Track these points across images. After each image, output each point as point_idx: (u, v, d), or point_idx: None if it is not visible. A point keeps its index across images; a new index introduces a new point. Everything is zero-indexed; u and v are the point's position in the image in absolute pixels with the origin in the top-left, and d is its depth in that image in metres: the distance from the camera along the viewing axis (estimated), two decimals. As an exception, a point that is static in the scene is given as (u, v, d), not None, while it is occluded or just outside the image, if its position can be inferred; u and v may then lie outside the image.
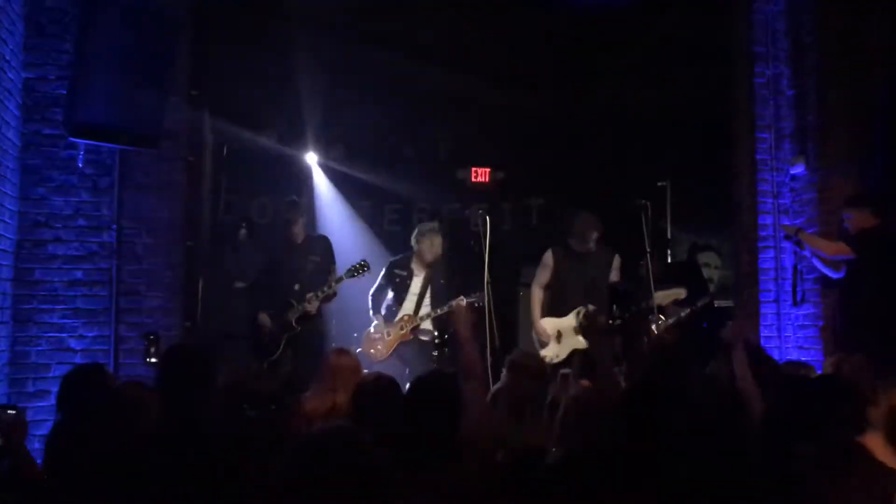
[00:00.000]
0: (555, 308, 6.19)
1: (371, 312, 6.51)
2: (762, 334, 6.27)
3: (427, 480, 2.60)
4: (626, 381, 5.16)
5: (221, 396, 3.01)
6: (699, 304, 6.31)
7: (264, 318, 6.24)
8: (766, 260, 6.44)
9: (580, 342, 6.04)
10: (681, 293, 6.17)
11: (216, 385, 3.16)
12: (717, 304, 7.71)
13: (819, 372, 4.48)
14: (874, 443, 2.56)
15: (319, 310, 6.35)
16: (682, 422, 2.46)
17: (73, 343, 5.33)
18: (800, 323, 6.22)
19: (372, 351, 6.27)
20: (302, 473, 1.82)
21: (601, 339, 6.05)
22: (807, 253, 5.71)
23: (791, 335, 6.30)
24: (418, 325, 6.30)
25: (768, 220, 6.46)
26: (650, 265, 5.89)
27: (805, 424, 2.53)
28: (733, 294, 6.92)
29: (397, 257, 6.58)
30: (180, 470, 2.17)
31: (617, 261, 6.26)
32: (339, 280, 6.26)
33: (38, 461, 3.44)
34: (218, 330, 6.63)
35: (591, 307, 5.99)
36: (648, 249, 5.92)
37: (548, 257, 6.28)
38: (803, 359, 5.88)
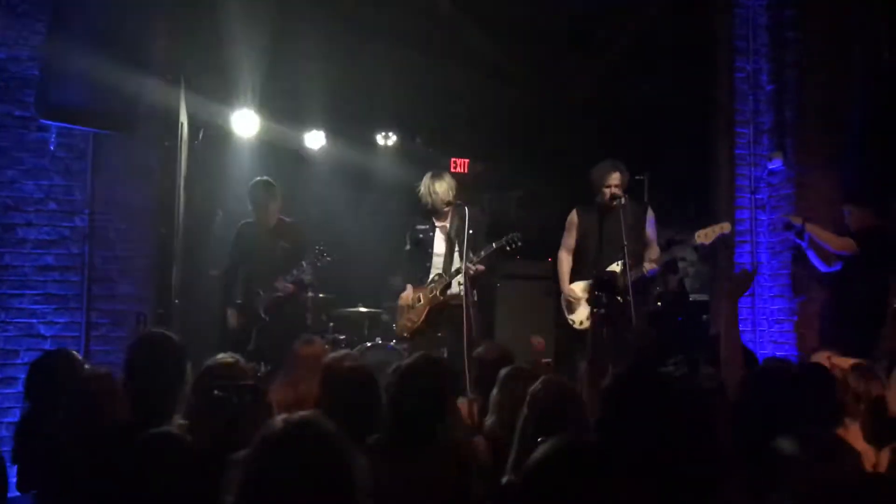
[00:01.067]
0: (586, 271, 5.69)
1: (402, 281, 6.03)
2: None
3: (407, 470, 2.57)
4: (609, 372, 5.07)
5: (194, 386, 2.96)
6: (668, 287, 6.17)
7: (231, 315, 6.09)
8: (742, 255, 6.48)
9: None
10: (726, 226, 5.63)
11: (186, 375, 3.09)
12: (692, 298, 7.77)
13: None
14: (852, 436, 2.57)
15: (292, 297, 6.21)
16: (658, 416, 2.45)
17: (42, 329, 5.24)
18: (775, 318, 6.27)
19: (405, 323, 5.82)
20: (268, 465, 1.78)
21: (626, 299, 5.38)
22: (803, 244, 5.71)
23: (766, 329, 6.34)
24: (449, 283, 5.67)
25: (745, 215, 6.49)
26: (627, 259, 5.88)
27: (784, 416, 2.52)
28: (709, 288, 6.96)
29: (415, 217, 5.99)
30: (151, 462, 2.12)
31: (650, 214, 5.78)
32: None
33: (5, 448, 3.38)
34: (191, 318, 6.53)
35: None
36: (625, 243, 5.90)
37: (572, 217, 5.86)
38: (777, 353, 5.93)
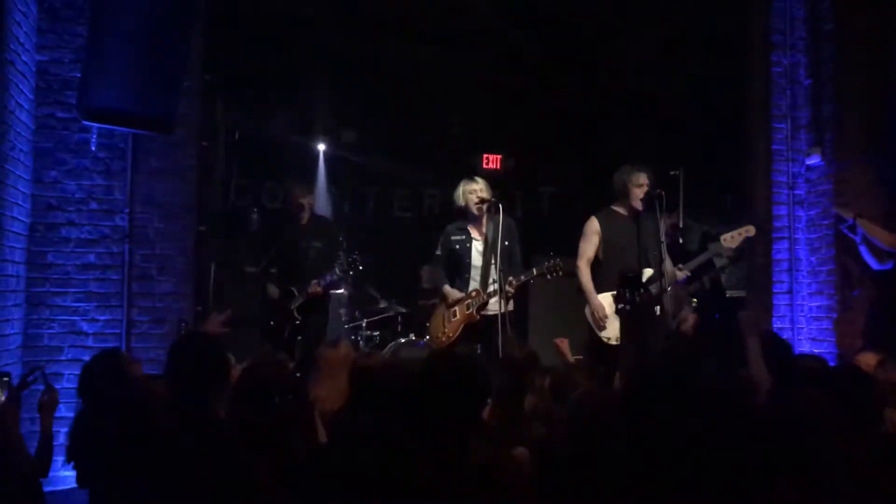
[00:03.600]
0: (608, 283, 5.33)
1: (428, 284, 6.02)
2: (775, 325, 6.24)
3: (439, 465, 2.56)
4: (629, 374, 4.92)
5: (237, 386, 3.00)
6: (706, 282, 6.07)
7: (271, 289, 6.23)
8: (780, 251, 6.40)
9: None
10: (751, 230, 5.52)
11: (227, 374, 3.12)
12: (729, 294, 7.69)
13: (832, 364, 4.46)
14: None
15: (326, 296, 6.31)
16: (690, 418, 2.43)
17: (85, 326, 5.34)
18: (813, 315, 6.19)
19: (438, 331, 5.66)
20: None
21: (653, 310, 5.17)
22: (857, 238, 5.58)
23: (804, 327, 6.27)
24: (486, 302, 5.50)
25: (783, 211, 6.41)
26: (664, 254, 5.84)
27: (821, 416, 2.49)
28: (746, 285, 6.89)
29: (451, 225, 5.78)
30: (198, 464, 2.16)
31: (662, 226, 5.34)
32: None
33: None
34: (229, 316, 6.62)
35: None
36: (663, 239, 5.85)
37: (592, 225, 5.52)
38: (816, 351, 5.86)
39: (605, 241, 5.51)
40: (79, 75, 5.17)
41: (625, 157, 7.51)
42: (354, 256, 5.94)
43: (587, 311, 5.47)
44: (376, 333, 7.60)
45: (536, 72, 8.11)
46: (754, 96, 6.54)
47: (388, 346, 7.19)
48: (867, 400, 2.87)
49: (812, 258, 6.25)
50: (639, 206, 5.48)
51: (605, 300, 5.41)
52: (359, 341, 7.42)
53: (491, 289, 5.47)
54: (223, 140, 6.59)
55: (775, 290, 6.35)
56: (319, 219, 6.55)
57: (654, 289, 5.35)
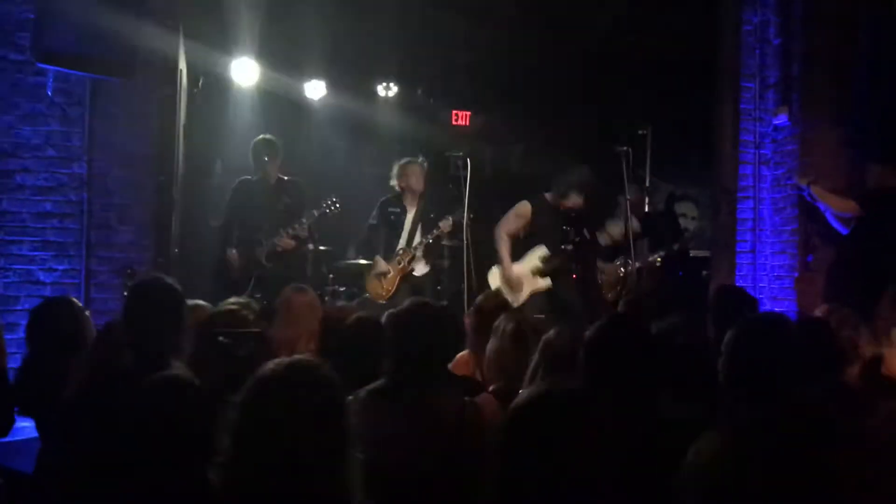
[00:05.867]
0: (514, 255, 5.96)
1: (354, 252, 6.76)
2: (737, 284, 6.30)
3: (408, 416, 2.57)
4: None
5: (198, 332, 2.96)
6: (674, 247, 6.30)
7: (232, 254, 6.18)
8: (745, 210, 6.44)
9: (538, 284, 5.88)
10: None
11: (184, 321, 3.07)
12: (692, 253, 7.76)
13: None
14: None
15: (291, 251, 6.27)
16: (651, 368, 2.45)
17: (42, 276, 5.23)
18: (775, 273, 6.27)
19: (378, 291, 6.42)
20: (262, 406, 1.81)
21: (563, 279, 5.86)
22: (820, 205, 5.67)
23: (766, 285, 6.35)
24: (413, 258, 6.42)
25: (748, 171, 6.45)
26: (629, 212, 5.87)
27: (786, 369, 2.52)
28: (710, 244, 6.94)
29: (386, 197, 6.62)
30: (153, 408, 2.12)
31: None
32: (311, 217, 6.19)
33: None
34: (191, 267, 6.53)
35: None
36: (628, 196, 5.88)
37: (524, 210, 6.00)
38: (777, 309, 5.94)
39: (528, 228, 5.97)
40: (33, 16, 4.98)
41: (595, 113, 7.51)
42: (334, 199, 6.24)
43: (499, 277, 5.93)
44: (342, 289, 7.55)
45: (507, 28, 8.01)
46: (724, 55, 6.51)
47: (354, 301, 7.16)
48: (828, 349, 2.92)
49: (776, 218, 6.30)
50: (570, 205, 5.88)
51: (523, 267, 5.90)
52: (325, 297, 7.37)
53: (416, 243, 6.40)
54: (186, 87, 6.42)
55: (738, 249, 6.41)
56: (286, 180, 6.48)
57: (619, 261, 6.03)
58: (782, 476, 1.71)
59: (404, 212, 6.52)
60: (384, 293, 6.42)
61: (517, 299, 5.80)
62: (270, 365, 1.88)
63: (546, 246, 5.91)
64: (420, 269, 6.51)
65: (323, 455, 1.77)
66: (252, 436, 1.79)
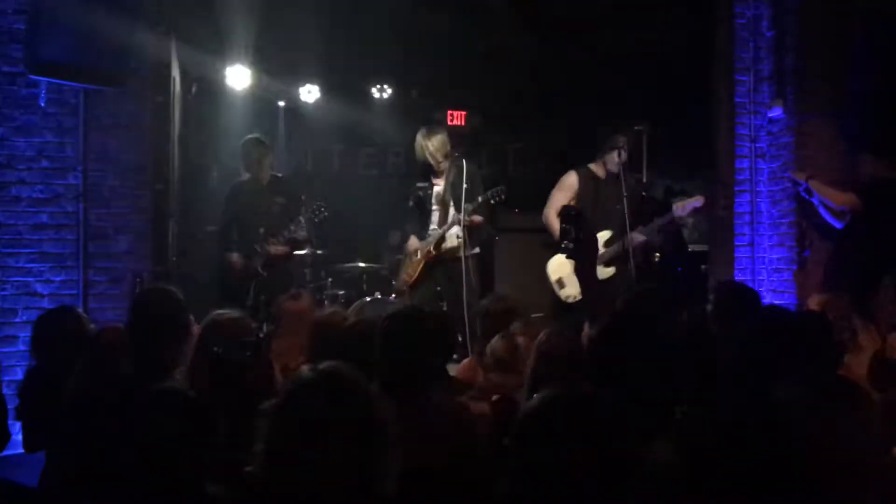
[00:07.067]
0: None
1: (399, 237, 6.43)
2: (736, 278, 6.29)
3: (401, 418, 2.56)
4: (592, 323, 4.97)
5: (196, 342, 2.95)
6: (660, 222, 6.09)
7: (233, 258, 6.07)
8: (742, 204, 6.43)
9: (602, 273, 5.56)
10: (700, 199, 5.70)
11: (188, 330, 3.08)
12: (691, 248, 7.75)
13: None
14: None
15: (290, 255, 6.23)
16: (653, 364, 2.44)
17: (39, 287, 5.21)
18: (774, 266, 6.26)
19: (404, 279, 6.04)
20: (298, 412, 1.80)
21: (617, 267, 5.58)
22: (814, 200, 5.67)
23: (765, 279, 6.34)
24: (443, 236, 5.83)
25: (745, 164, 6.43)
26: (626, 209, 5.83)
27: (784, 361, 2.51)
28: (708, 238, 6.94)
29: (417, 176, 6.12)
30: (154, 416, 2.11)
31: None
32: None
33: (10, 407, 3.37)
34: (190, 274, 6.52)
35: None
36: (626, 193, 5.84)
37: (571, 179, 5.73)
38: (777, 302, 5.94)
39: (577, 199, 5.68)
40: (24, 27, 4.96)
41: (590, 112, 7.50)
42: (319, 203, 6.03)
43: (549, 268, 5.65)
44: (341, 292, 7.55)
45: (501, 27, 8.01)
46: (717, 49, 6.51)
47: (354, 305, 7.15)
48: (826, 340, 2.91)
49: (773, 210, 6.30)
50: (614, 168, 5.63)
51: (565, 260, 5.41)
52: (324, 301, 7.36)
53: (450, 221, 5.77)
54: (180, 94, 6.41)
55: (737, 243, 6.40)
56: (279, 178, 6.44)
57: (616, 247, 5.61)
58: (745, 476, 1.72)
59: (430, 187, 5.96)
60: (406, 279, 5.98)
61: (569, 294, 5.53)
62: (305, 371, 1.88)
63: (605, 222, 5.56)
64: (452, 240, 5.82)
65: (358, 464, 1.75)
66: (286, 443, 1.77)
